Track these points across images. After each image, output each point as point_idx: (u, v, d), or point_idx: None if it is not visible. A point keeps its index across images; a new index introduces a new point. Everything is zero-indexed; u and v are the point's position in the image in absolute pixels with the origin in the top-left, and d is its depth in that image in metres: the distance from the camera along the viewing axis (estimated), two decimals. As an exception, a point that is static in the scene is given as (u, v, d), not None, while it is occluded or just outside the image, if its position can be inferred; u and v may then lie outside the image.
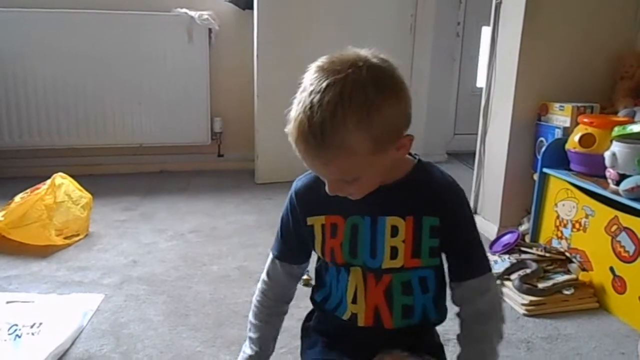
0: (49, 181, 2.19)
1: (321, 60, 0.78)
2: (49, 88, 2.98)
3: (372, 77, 0.75)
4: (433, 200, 0.88)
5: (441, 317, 0.97)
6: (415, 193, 0.88)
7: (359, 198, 0.84)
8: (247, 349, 1.05)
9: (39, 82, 2.97)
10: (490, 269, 0.93)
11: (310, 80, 0.76)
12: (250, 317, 1.05)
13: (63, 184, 2.24)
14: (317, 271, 1.00)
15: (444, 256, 0.93)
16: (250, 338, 1.05)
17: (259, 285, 1.04)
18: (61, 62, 2.97)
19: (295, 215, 0.95)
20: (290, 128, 0.78)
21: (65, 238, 2.19)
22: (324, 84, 0.74)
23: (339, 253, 0.91)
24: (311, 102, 0.74)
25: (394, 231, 0.88)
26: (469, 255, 0.92)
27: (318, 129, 0.73)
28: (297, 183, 0.96)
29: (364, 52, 0.78)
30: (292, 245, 0.99)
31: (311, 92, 0.74)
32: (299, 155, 0.80)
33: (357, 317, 0.92)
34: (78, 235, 2.24)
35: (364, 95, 0.73)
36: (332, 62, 0.77)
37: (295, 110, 0.77)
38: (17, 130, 3.00)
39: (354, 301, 0.92)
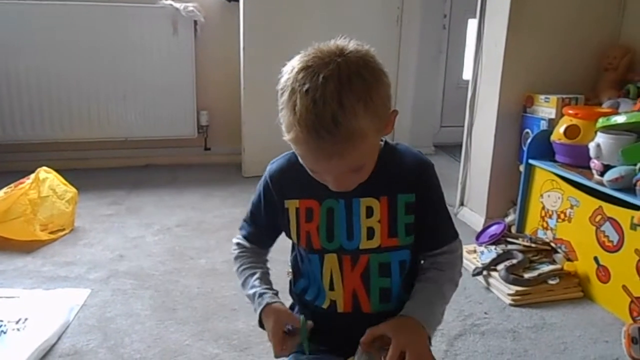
0: (32, 175, 2.16)
1: (301, 60, 0.77)
2: (32, 81, 2.94)
3: (361, 60, 0.77)
4: (406, 178, 0.90)
5: None
6: (388, 173, 0.89)
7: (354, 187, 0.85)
8: (256, 289, 0.97)
9: (21, 76, 2.92)
10: (456, 235, 0.96)
11: (299, 81, 0.75)
12: (239, 263, 1.02)
13: (47, 178, 2.21)
14: (294, 263, 1.00)
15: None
16: (251, 279, 0.99)
17: (233, 249, 1.05)
18: (45, 55, 2.92)
19: (269, 199, 0.96)
20: (295, 133, 0.76)
21: (50, 233, 2.16)
22: (320, 79, 0.73)
23: (315, 237, 0.91)
24: (313, 99, 0.73)
25: (369, 212, 0.89)
26: (438, 225, 0.94)
27: (331, 123, 0.73)
28: (271, 166, 0.96)
29: (339, 42, 0.79)
30: (260, 229, 1.00)
31: (307, 90, 0.74)
32: (306, 157, 0.80)
33: (337, 304, 0.93)
34: (63, 230, 2.22)
35: (362, 79, 0.75)
36: (316, 57, 0.76)
37: (294, 113, 0.75)
38: (-1, 124, 2.96)
39: (331, 288, 0.93)
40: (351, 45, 0.79)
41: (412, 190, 0.90)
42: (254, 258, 1.02)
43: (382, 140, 0.91)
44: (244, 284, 0.99)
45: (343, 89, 0.73)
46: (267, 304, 0.92)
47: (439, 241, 0.94)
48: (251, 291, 0.96)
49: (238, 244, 1.03)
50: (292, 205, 0.92)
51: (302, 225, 0.92)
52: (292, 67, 0.78)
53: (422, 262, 0.97)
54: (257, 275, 0.98)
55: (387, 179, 0.89)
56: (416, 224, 0.91)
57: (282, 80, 0.79)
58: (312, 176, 0.86)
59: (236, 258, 1.02)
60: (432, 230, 0.93)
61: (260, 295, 0.94)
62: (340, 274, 0.92)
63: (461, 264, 0.97)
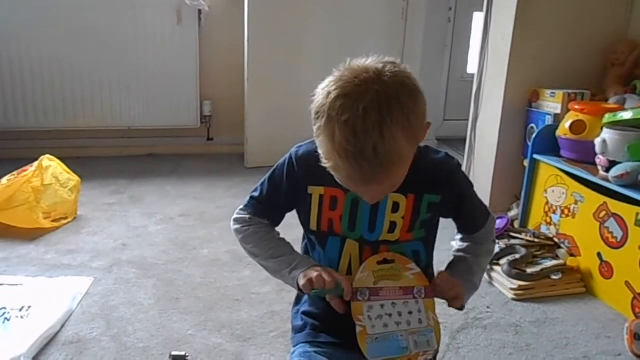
0: (36, 163, 2.16)
1: (337, 85, 0.76)
2: (36, 70, 2.93)
3: (399, 84, 0.76)
4: (434, 179, 0.92)
5: None
6: (417, 173, 0.89)
7: None
8: (295, 254, 0.98)
9: (25, 64, 2.91)
10: (489, 213, 1.03)
11: (337, 109, 0.74)
12: (260, 233, 1.00)
13: (50, 166, 2.21)
14: (304, 252, 1.02)
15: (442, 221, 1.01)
16: (285, 246, 0.99)
17: (237, 227, 1.02)
18: (48, 43, 2.91)
19: (292, 181, 0.95)
20: (334, 162, 0.77)
21: (53, 221, 2.16)
22: (360, 110, 0.73)
23: (337, 225, 0.93)
24: (353, 131, 0.73)
25: (395, 207, 0.91)
26: (473, 215, 1.01)
27: (372, 154, 0.74)
28: (298, 150, 0.96)
29: (372, 62, 0.79)
30: (273, 208, 1.00)
31: (346, 120, 0.73)
32: (345, 182, 0.81)
33: None
34: (66, 218, 2.22)
35: (400, 105, 0.75)
36: (352, 84, 0.75)
37: (332, 142, 0.75)
38: (2, 112, 2.95)
39: (349, 272, 0.94)
40: (387, 67, 0.78)
41: (439, 192, 0.93)
42: (273, 232, 1.01)
43: None
44: (273, 250, 0.98)
45: (383, 119, 0.73)
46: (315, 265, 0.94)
47: (476, 226, 1.02)
48: (294, 255, 0.97)
49: (250, 219, 1.00)
50: (316, 192, 0.93)
51: (325, 212, 0.93)
52: (327, 92, 0.77)
53: (459, 236, 1.05)
54: (287, 244, 1.00)
55: (416, 178, 0.89)
56: (454, 218, 1.01)
57: (317, 104, 0.78)
58: None
59: (252, 233, 0.99)
60: (469, 220, 1.01)
61: (306, 257, 0.97)
62: (359, 260, 0.93)
63: (494, 234, 1.05)
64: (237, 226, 1.01)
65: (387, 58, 0.80)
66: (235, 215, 1.03)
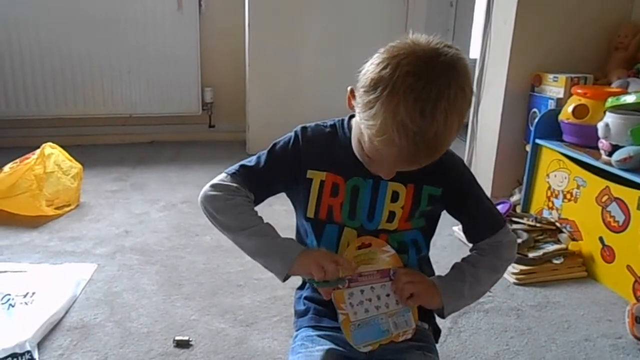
0: (38, 151, 2.16)
1: (408, 60, 0.73)
2: (37, 57, 2.92)
3: (466, 75, 0.77)
4: (436, 172, 0.90)
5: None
6: None
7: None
8: (280, 238, 0.91)
9: (26, 52, 2.90)
10: (503, 223, 0.97)
11: (407, 85, 0.72)
12: (245, 208, 0.92)
13: (53, 154, 2.21)
14: (299, 241, 0.99)
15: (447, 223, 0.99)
16: (269, 227, 0.92)
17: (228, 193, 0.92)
18: (49, 30, 2.90)
19: (296, 156, 0.92)
20: (389, 137, 0.74)
21: (56, 208, 2.17)
22: (433, 94, 0.72)
23: (337, 212, 0.92)
24: (422, 112, 0.72)
25: (395, 196, 0.91)
26: (480, 218, 0.97)
27: (432, 140, 0.74)
28: (304, 129, 0.94)
29: (439, 45, 0.76)
30: (266, 182, 0.94)
31: (416, 99, 0.72)
32: (388, 157, 0.77)
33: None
34: (69, 205, 2.22)
35: (464, 97, 0.76)
36: (427, 65, 0.73)
37: (394, 118, 0.72)
38: (3, 100, 2.95)
39: None
40: (455, 52, 0.76)
41: (440, 184, 0.92)
42: (255, 210, 0.93)
43: None
44: (258, 230, 0.91)
45: (450, 109, 0.73)
46: (307, 248, 0.91)
47: (480, 232, 0.97)
48: (280, 238, 0.90)
49: (238, 189, 0.92)
50: (317, 177, 0.91)
51: (325, 199, 0.92)
52: (397, 63, 0.73)
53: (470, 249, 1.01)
54: (271, 226, 0.92)
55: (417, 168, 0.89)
56: (460, 219, 0.97)
57: (375, 73, 0.75)
58: (341, 152, 0.88)
59: (235, 204, 0.91)
60: (472, 224, 0.97)
61: (294, 241, 0.92)
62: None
63: (509, 253, 0.98)
64: (217, 193, 0.91)
65: (446, 41, 0.78)
66: (214, 181, 0.93)
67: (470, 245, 1.00)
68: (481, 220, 0.97)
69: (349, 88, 0.83)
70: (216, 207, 0.91)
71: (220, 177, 0.94)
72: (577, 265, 1.84)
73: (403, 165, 0.80)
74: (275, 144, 0.96)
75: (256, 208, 0.95)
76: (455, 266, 0.97)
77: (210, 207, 0.92)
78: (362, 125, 0.78)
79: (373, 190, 0.90)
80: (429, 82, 0.72)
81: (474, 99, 2.47)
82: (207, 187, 0.94)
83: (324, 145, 0.92)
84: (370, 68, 0.76)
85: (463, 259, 0.98)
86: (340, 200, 0.91)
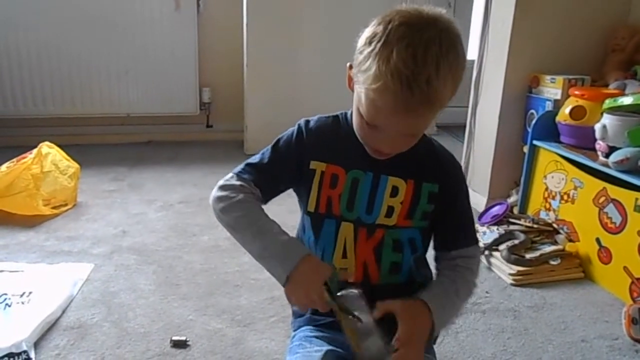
0: (35, 150, 2.16)
1: (399, 15, 0.76)
2: (34, 57, 2.92)
3: (457, 34, 0.78)
4: (435, 169, 0.91)
5: (426, 279, 0.98)
6: (420, 159, 0.89)
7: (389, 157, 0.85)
8: (286, 236, 0.87)
9: (23, 51, 2.90)
10: (477, 241, 0.97)
11: (399, 35, 0.74)
12: (251, 207, 0.89)
13: (50, 153, 2.20)
14: (299, 235, 0.98)
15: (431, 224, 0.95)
16: (275, 226, 0.88)
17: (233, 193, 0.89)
18: (47, 30, 2.89)
19: (301, 148, 0.92)
20: (384, 83, 0.74)
21: (53, 208, 2.17)
22: (424, 38, 0.73)
23: (336, 204, 0.91)
24: (413, 56, 0.73)
25: (394, 191, 0.90)
26: (460, 226, 0.95)
27: (425, 83, 0.73)
28: (308, 121, 0.94)
29: (431, 10, 0.79)
30: (272, 177, 0.92)
31: (407, 45, 0.73)
32: (384, 108, 0.76)
33: (347, 273, 0.91)
34: (66, 205, 2.22)
35: (456, 53, 0.76)
36: (417, 17, 0.76)
37: (387, 64, 0.73)
38: (0, 99, 2.94)
39: (344, 256, 0.93)
40: (444, 14, 0.79)
41: (438, 181, 0.91)
42: (261, 207, 0.91)
43: None
44: (262, 229, 0.87)
45: (442, 56, 0.74)
46: (309, 254, 0.85)
47: (458, 242, 0.94)
48: (282, 237, 0.86)
49: (242, 185, 0.90)
50: (319, 167, 0.91)
51: (325, 190, 0.91)
52: (389, 20, 0.76)
53: (438, 264, 0.96)
54: (278, 226, 0.88)
55: (417, 164, 0.89)
56: (434, 215, 0.92)
57: (370, 33, 0.77)
58: (343, 142, 0.87)
59: (239, 201, 0.88)
60: (454, 230, 0.94)
61: (296, 243, 0.88)
62: (353, 243, 0.92)
63: (478, 270, 0.96)
64: (222, 193, 0.89)
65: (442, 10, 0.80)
66: (221, 182, 0.91)
67: (435, 252, 0.96)
68: (462, 228, 0.95)
69: (347, 64, 0.84)
70: (222, 207, 0.90)
71: (227, 177, 0.94)
72: (574, 266, 1.84)
73: (400, 118, 0.77)
74: (279, 139, 0.95)
75: None
76: (434, 283, 0.93)
77: (217, 208, 0.91)
78: (358, 86, 0.79)
79: (373, 184, 0.90)
80: (420, 30, 0.74)
81: (471, 100, 2.47)
82: (214, 189, 0.93)
83: (327, 136, 0.91)
84: (364, 32, 0.79)
85: (439, 275, 0.94)
86: (339, 192, 0.91)
